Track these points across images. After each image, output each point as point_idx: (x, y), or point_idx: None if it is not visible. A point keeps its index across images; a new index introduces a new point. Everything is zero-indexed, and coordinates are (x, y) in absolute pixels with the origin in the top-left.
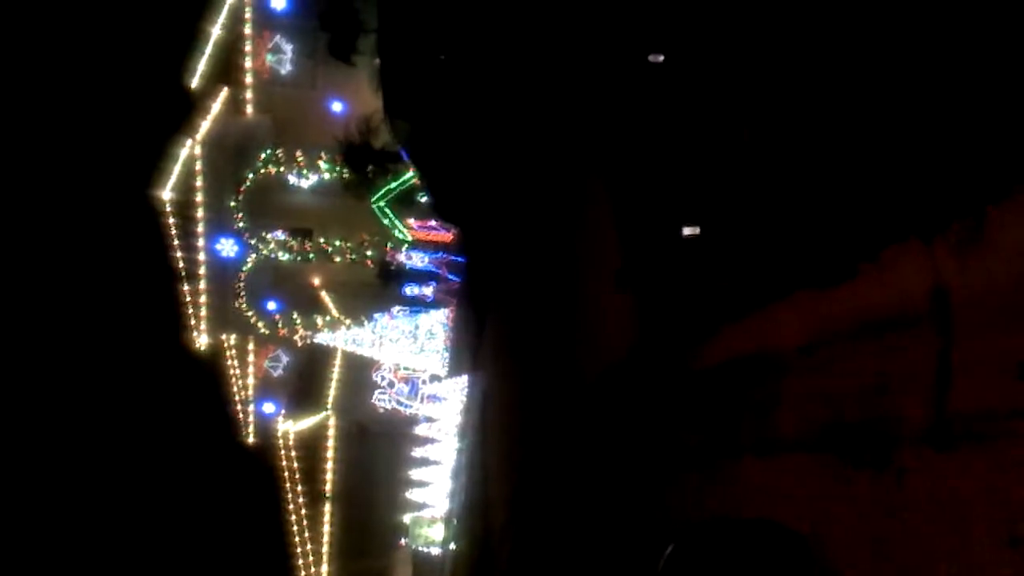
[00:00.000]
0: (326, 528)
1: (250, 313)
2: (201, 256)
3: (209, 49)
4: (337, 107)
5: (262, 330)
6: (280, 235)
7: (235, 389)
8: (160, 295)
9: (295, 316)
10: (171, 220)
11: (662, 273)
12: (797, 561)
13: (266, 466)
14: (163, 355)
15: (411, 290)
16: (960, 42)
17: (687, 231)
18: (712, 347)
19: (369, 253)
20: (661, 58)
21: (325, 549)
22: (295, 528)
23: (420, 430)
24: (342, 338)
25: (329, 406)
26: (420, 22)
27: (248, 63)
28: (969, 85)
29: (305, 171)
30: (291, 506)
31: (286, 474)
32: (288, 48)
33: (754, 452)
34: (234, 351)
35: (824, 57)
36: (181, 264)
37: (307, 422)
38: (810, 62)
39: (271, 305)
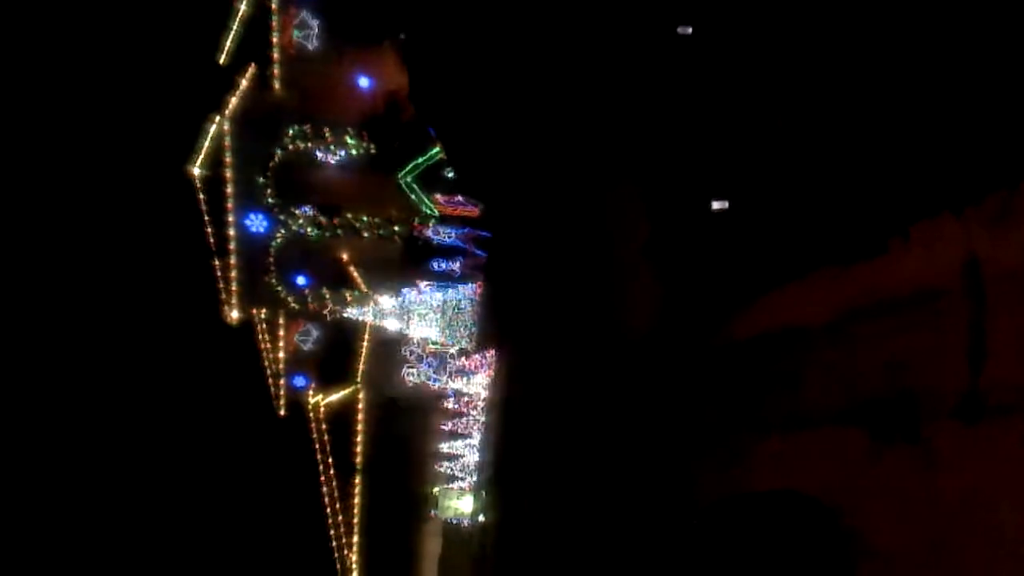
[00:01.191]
0: (357, 499)
1: (280, 288)
2: (231, 232)
3: (236, 25)
4: (364, 82)
5: (292, 305)
6: (309, 211)
7: (267, 362)
8: (193, 270)
9: (324, 291)
10: (202, 196)
11: (690, 247)
12: (825, 534)
13: (298, 438)
14: (198, 329)
15: (438, 265)
16: (992, 20)
17: (716, 205)
18: (738, 322)
19: (396, 228)
20: (690, 30)
21: (356, 520)
22: (327, 499)
23: (449, 403)
24: (371, 313)
25: (359, 380)
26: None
27: (275, 39)
28: (997, 61)
29: (332, 146)
30: (323, 477)
31: (317, 447)
32: (314, 24)
33: (782, 427)
34: (265, 325)
35: (855, 36)
36: (212, 240)
37: (337, 395)
38: (841, 43)
39: (300, 280)
